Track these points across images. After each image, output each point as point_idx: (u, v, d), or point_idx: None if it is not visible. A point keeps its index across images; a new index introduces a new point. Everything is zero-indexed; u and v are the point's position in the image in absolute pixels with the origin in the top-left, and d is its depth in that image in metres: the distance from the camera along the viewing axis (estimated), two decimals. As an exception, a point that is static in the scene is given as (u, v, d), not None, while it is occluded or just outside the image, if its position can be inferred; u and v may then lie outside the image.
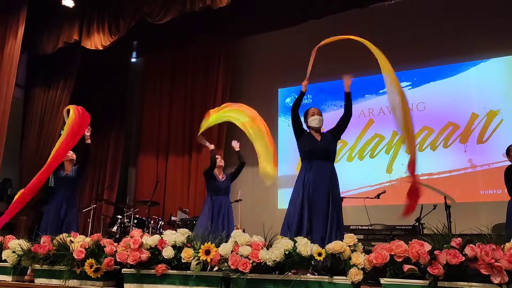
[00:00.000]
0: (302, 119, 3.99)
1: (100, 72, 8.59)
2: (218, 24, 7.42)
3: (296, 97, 3.97)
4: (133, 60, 9.35)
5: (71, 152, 5.27)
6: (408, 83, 7.51)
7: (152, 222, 6.79)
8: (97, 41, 7.05)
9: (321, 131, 3.95)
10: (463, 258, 1.96)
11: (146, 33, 7.79)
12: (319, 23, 7.07)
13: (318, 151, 3.73)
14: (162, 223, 6.97)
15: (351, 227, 5.90)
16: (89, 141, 5.23)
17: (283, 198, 7.85)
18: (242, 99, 8.44)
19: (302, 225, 3.48)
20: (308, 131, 3.95)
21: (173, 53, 8.83)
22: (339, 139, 3.97)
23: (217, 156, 5.42)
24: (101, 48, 7.04)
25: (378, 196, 5.93)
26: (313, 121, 3.88)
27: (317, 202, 3.55)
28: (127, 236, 3.09)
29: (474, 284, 1.95)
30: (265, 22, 7.28)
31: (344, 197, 5.91)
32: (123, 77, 9.18)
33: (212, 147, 5.39)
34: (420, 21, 7.31)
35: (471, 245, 1.98)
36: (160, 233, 5.25)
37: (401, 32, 7.42)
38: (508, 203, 4.69)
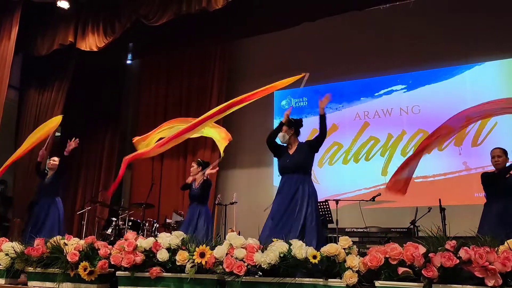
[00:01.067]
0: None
1: (96, 74, 8.56)
2: (214, 26, 7.41)
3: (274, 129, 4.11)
4: (129, 62, 9.32)
5: (56, 159, 5.51)
6: (403, 86, 7.53)
7: (147, 224, 6.77)
8: (91, 42, 7.02)
9: (298, 142, 4.06)
10: (458, 261, 1.96)
11: (141, 35, 7.77)
12: (315, 25, 7.09)
13: (288, 168, 3.92)
14: (157, 225, 6.95)
15: (346, 230, 5.91)
16: (66, 153, 5.50)
17: (279, 201, 7.85)
18: (238, 102, 8.51)
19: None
20: (285, 145, 4.11)
21: (168, 55, 8.81)
22: (317, 151, 4.05)
23: (192, 165, 5.46)
24: (95, 49, 7.01)
25: (373, 199, 5.94)
26: (279, 138, 4.08)
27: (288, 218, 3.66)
28: (121, 238, 3.07)
29: (468, 286, 1.96)
30: (260, 24, 7.28)
31: (340, 200, 5.94)
32: (119, 79, 9.15)
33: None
34: (415, 25, 7.34)
35: (465, 247, 1.99)
36: (155, 236, 5.25)
37: (396, 35, 7.45)
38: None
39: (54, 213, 5.36)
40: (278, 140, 4.11)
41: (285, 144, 4.07)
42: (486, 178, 4.61)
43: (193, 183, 5.36)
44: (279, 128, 4.04)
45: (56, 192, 5.54)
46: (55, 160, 5.59)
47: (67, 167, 5.85)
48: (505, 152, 4.65)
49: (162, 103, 8.86)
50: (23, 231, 6.91)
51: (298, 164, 3.89)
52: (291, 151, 4.00)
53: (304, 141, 4.10)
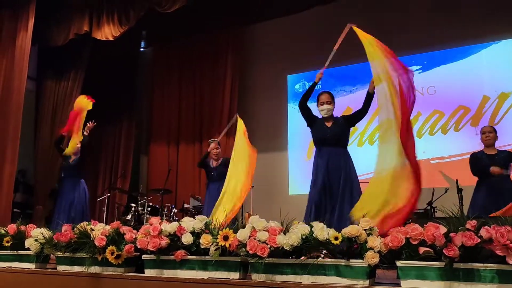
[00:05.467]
0: (315, 103, 4.16)
1: (110, 62, 8.63)
2: (227, 11, 7.40)
3: (306, 89, 4.13)
4: (142, 49, 9.37)
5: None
6: (418, 67, 7.46)
7: (165, 209, 6.89)
8: (107, 32, 7.07)
9: (333, 117, 4.12)
10: (479, 240, 1.99)
11: (154, 22, 7.80)
12: (327, 8, 7.03)
13: (328, 139, 3.98)
14: (175, 210, 7.06)
15: (362, 212, 5.93)
16: (86, 132, 5.55)
17: (294, 184, 7.91)
18: (252, 86, 8.52)
19: (321, 207, 3.78)
20: (320, 117, 4.12)
21: (182, 42, 8.83)
22: (353, 126, 4.15)
23: (210, 141, 5.64)
24: (111, 39, 7.07)
25: (389, 181, 5.94)
26: (322, 111, 4.10)
27: (332, 185, 3.85)
28: (146, 223, 3.15)
29: (489, 265, 1.99)
30: (273, 8, 7.26)
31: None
32: (133, 67, 9.22)
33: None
34: (430, 4, 7.23)
35: (486, 227, 2.02)
36: (174, 220, 5.36)
37: (411, 15, 7.35)
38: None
39: (80, 195, 5.50)
40: (320, 112, 4.15)
41: (318, 117, 4.14)
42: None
43: (208, 163, 5.53)
44: (311, 89, 4.11)
45: (80, 173, 5.66)
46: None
47: (90, 146, 5.95)
48: (495, 129, 4.80)
49: (176, 89, 8.92)
50: (46, 218, 7.09)
51: (337, 137, 4.00)
52: (328, 124, 4.06)
53: (339, 116, 4.17)
